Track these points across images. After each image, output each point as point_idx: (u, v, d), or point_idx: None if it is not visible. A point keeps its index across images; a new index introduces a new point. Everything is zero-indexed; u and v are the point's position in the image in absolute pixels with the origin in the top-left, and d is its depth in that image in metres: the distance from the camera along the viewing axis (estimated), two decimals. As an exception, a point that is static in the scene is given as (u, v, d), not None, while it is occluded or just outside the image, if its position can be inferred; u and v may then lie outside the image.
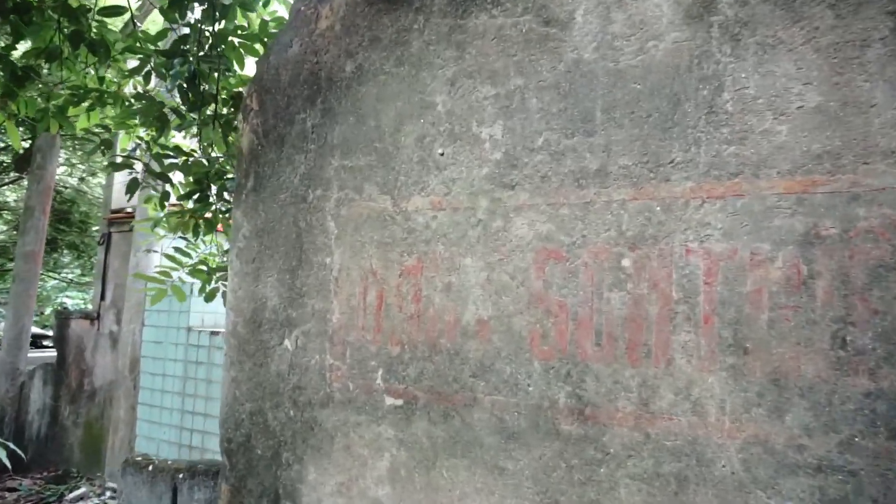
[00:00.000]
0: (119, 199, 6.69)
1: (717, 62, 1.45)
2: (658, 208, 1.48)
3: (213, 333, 5.36)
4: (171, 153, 2.52)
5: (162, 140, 2.67)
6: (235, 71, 2.69)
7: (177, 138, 3.03)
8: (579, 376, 1.53)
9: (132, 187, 2.52)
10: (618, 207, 1.52)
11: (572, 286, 1.56)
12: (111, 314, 6.46)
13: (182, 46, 2.46)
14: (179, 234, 2.82)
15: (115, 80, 2.89)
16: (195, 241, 2.72)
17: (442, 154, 1.77)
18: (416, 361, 1.75)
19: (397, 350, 1.79)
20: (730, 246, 1.40)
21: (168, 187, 2.73)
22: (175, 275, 2.73)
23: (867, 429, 1.25)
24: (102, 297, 6.58)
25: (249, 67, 2.86)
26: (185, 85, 2.45)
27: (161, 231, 2.90)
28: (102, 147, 2.62)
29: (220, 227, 2.78)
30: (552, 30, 1.65)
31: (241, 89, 2.73)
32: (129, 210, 6.50)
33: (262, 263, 2.08)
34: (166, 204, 2.66)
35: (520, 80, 1.68)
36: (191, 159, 2.55)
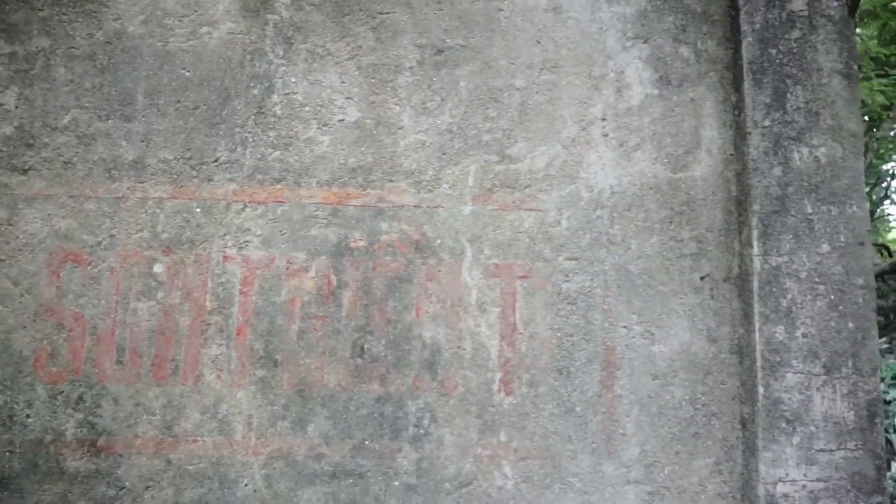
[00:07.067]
0: None
1: (270, 62, 1.39)
2: (198, 210, 1.35)
3: None
4: None
5: None
6: None
7: None
8: (94, 401, 1.29)
9: None
10: (154, 206, 1.34)
11: (93, 294, 1.32)
12: None
13: None
14: None
15: None
16: None
17: (-72, 118, 1.35)
18: None
19: None
20: (268, 253, 1.34)
21: None
22: None
23: (376, 431, 1.31)
24: None
25: None
26: None
27: None
28: None
29: None
30: (92, -10, 1.39)
31: None
32: None
33: None
34: None
35: (46, 41, 1.37)
36: None
